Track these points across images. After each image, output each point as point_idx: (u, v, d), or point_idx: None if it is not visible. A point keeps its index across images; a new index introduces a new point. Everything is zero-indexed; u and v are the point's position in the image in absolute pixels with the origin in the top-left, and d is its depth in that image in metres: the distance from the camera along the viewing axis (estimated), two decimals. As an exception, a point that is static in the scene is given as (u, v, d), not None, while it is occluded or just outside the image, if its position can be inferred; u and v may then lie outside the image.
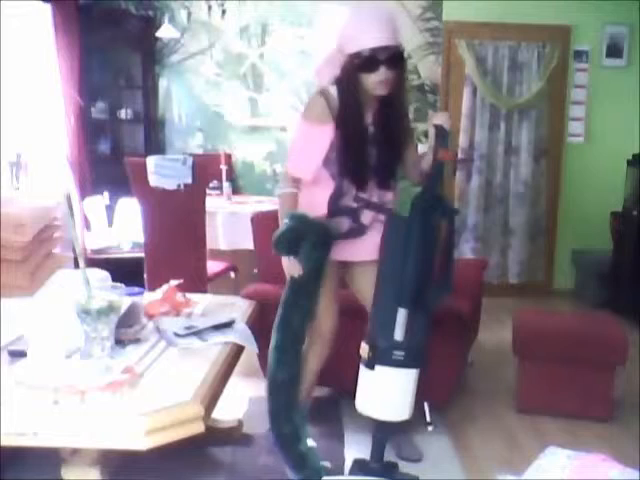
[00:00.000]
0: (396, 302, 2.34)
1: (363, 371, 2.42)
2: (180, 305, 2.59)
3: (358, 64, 2.37)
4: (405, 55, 2.48)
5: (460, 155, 5.58)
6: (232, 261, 4.58)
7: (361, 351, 2.40)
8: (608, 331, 3.33)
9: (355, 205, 2.57)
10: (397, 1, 5.45)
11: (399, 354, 2.34)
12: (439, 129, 2.41)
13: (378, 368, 2.36)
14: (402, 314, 2.33)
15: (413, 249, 2.32)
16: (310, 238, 2.13)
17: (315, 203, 2.53)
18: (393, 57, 2.37)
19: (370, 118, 2.50)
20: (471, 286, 3.49)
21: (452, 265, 2.47)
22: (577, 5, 5.52)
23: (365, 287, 2.60)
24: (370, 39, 2.34)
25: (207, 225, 4.12)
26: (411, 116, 3.84)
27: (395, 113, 2.50)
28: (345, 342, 2.67)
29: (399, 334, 2.34)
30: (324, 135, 2.46)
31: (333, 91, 2.47)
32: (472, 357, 3.94)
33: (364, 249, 2.60)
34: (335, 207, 2.55)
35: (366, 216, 2.59)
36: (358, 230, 2.59)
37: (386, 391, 2.39)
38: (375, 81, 2.38)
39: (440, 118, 2.45)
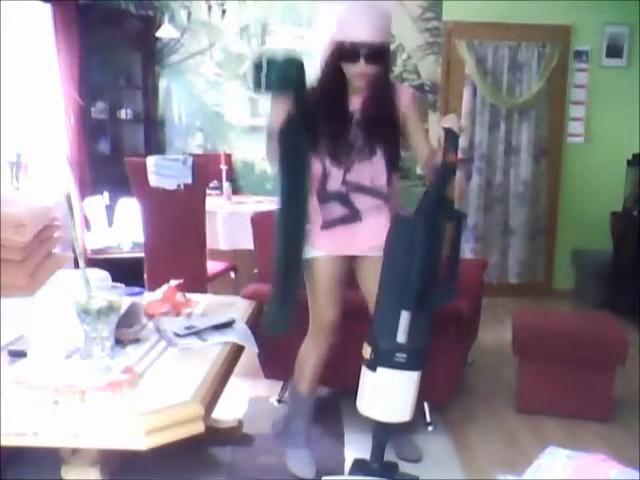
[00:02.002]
0: (399, 304, 2.33)
1: (365, 372, 2.41)
2: (180, 305, 2.59)
3: (339, 52, 2.43)
4: (391, 52, 2.57)
5: (460, 155, 5.58)
6: (232, 261, 4.58)
7: (363, 352, 2.40)
8: (608, 331, 3.33)
9: (344, 189, 2.56)
10: (397, 1, 5.45)
11: (401, 356, 2.33)
12: (449, 132, 2.41)
13: (380, 370, 2.35)
14: (405, 317, 2.32)
15: (418, 251, 2.31)
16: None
17: None
18: (373, 53, 2.41)
19: (358, 106, 2.52)
20: (471, 286, 3.49)
21: (457, 269, 2.46)
22: (577, 5, 5.53)
23: (369, 284, 2.59)
24: (354, 32, 2.38)
25: (207, 225, 4.12)
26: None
27: (379, 111, 2.52)
28: (346, 341, 2.66)
29: (402, 336, 2.33)
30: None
31: None
32: (472, 357, 3.94)
33: (363, 238, 2.58)
34: (324, 192, 2.55)
35: (361, 201, 2.57)
36: (352, 217, 2.57)
37: (388, 393, 2.39)
38: (354, 72, 2.44)
39: (450, 121, 2.44)
